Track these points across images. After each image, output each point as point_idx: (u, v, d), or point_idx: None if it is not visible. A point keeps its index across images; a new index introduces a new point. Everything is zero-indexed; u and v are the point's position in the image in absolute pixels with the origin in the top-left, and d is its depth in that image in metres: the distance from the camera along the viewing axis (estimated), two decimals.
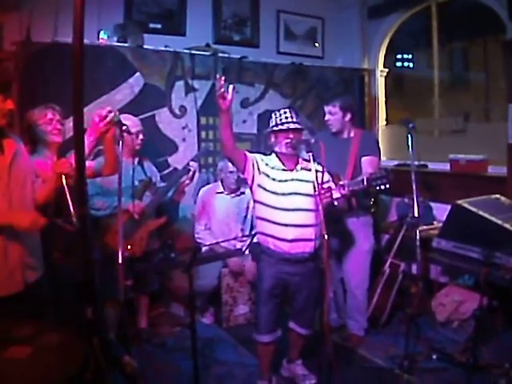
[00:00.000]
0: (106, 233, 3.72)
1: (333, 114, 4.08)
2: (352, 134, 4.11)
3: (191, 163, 4.15)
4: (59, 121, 3.27)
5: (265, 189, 3.28)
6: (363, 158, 4.00)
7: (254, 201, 3.42)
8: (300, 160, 3.37)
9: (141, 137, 4.02)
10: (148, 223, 4.04)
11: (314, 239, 3.26)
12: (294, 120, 3.29)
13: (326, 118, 4.13)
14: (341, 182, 3.40)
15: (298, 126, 3.30)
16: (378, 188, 3.30)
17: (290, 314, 3.57)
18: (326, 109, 4.13)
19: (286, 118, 3.28)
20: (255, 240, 3.41)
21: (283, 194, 3.24)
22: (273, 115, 3.37)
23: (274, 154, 3.38)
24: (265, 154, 3.44)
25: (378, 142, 4.23)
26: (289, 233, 3.22)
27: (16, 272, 2.59)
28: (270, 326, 3.36)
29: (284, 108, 3.40)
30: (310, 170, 3.27)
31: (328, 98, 4.26)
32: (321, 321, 3.12)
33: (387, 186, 3.26)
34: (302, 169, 3.33)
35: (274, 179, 3.27)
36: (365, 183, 3.32)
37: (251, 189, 3.37)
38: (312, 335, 3.53)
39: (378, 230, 5.09)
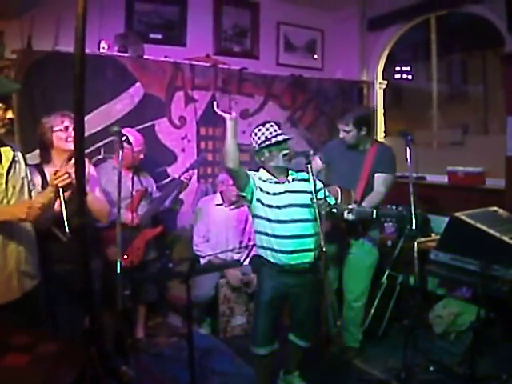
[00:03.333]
0: (104, 243, 3.73)
1: (348, 132, 3.90)
2: (368, 147, 3.98)
3: (185, 175, 4.19)
4: None
5: (262, 203, 3.25)
6: (376, 175, 3.87)
7: (253, 216, 3.37)
8: (289, 171, 3.34)
9: (141, 156, 4.04)
10: (144, 232, 4.04)
11: (314, 249, 3.26)
12: (281, 132, 3.27)
13: (341, 135, 3.95)
14: (350, 206, 3.40)
15: (290, 137, 3.31)
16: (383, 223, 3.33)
17: (290, 326, 3.56)
18: (340, 126, 3.95)
19: (275, 130, 3.24)
20: (254, 251, 3.39)
21: (278, 207, 3.22)
22: (257, 132, 3.28)
23: (262, 169, 3.35)
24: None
25: (394, 159, 4.00)
26: (288, 244, 3.22)
27: (13, 280, 2.59)
28: (268, 339, 3.33)
29: (267, 123, 3.31)
30: (301, 180, 3.32)
31: (341, 115, 4.05)
32: (319, 332, 3.11)
33: (392, 223, 3.30)
34: (293, 180, 3.32)
35: (268, 193, 3.25)
36: (373, 216, 3.36)
37: (251, 204, 3.30)
38: (311, 348, 3.51)
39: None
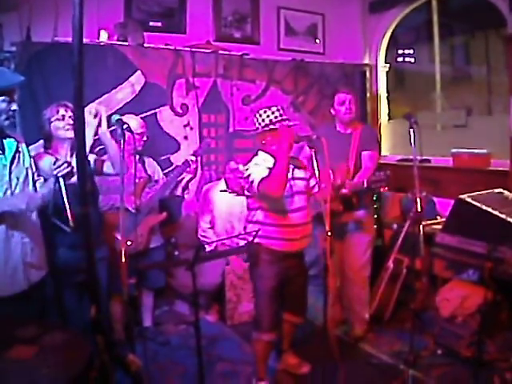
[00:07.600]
0: (106, 229, 3.74)
1: (353, 103, 4.00)
2: (353, 129, 4.07)
3: (190, 157, 4.15)
4: (71, 117, 3.21)
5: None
6: (363, 153, 4.00)
7: (258, 208, 3.28)
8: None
9: (144, 138, 4.05)
10: (147, 219, 4.04)
11: (310, 235, 3.35)
12: (286, 118, 3.25)
13: (346, 107, 3.97)
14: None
15: (294, 124, 3.28)
16: (376, 190, 3.41)
17: (285, 305, 3.49)
18: (347, 97, 3.98)
19: (281, 115, 3.21)
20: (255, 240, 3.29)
21: (287, 197, 3.22)
22: (262, 113, 3.24)
23: (265, 154, 3.27)
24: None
25: (377, 136, 4.21)
26: (297, 232, 3.24)
27: (18, 272, 2.60)
28: (275, 324, 3.35)
29: (273, 106, 3.28)
30: (298, 167, 3.33)
31: (341, 87, 4.21)
32: (324, 316, 3.11)
33: (386, 188, 3.40)
34: (294, 167, 3.29)
35: None
36: (365, 185, 3.56)
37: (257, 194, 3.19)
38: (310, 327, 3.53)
39: (382, 226, 5.09)
